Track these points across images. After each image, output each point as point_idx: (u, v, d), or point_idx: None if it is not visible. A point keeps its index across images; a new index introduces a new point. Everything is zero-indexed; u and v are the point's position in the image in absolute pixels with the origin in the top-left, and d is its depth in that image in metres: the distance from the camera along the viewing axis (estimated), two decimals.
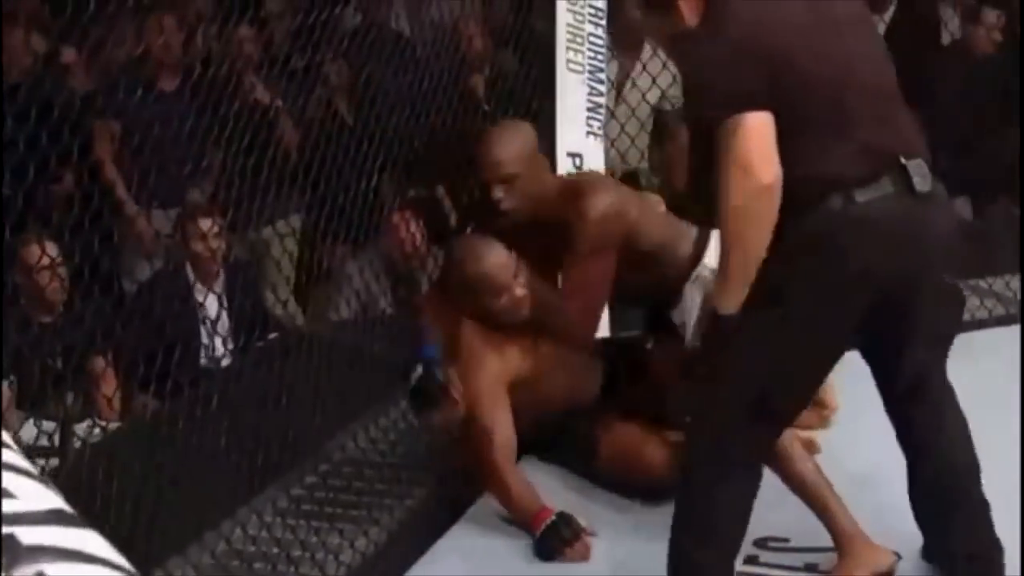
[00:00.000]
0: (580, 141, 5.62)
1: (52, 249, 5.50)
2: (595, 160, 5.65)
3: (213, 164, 6.00)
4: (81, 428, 4.89)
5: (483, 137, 4.73)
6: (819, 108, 3.45)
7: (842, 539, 4.06)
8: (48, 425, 4.86)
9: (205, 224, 5.99)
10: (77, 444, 4.72)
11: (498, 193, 4.54)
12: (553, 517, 4.30)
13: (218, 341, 5.77)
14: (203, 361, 5.76)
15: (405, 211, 6.50)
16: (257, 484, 4.63)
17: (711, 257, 4.53)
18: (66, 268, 5.42)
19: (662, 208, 4.95)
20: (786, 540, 4.31)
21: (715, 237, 4.65)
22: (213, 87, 4.72)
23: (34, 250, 5.53)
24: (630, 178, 6.25)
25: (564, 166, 5.58)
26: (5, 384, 5.20)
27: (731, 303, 3.43)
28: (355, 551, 4.41)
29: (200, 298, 5.98)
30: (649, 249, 4.63)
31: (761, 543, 4.24)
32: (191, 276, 6.14)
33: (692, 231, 4.67)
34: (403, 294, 6.44)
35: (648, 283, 4.64)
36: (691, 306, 4.49)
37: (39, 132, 4.07)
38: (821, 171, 3.42)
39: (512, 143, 4.61)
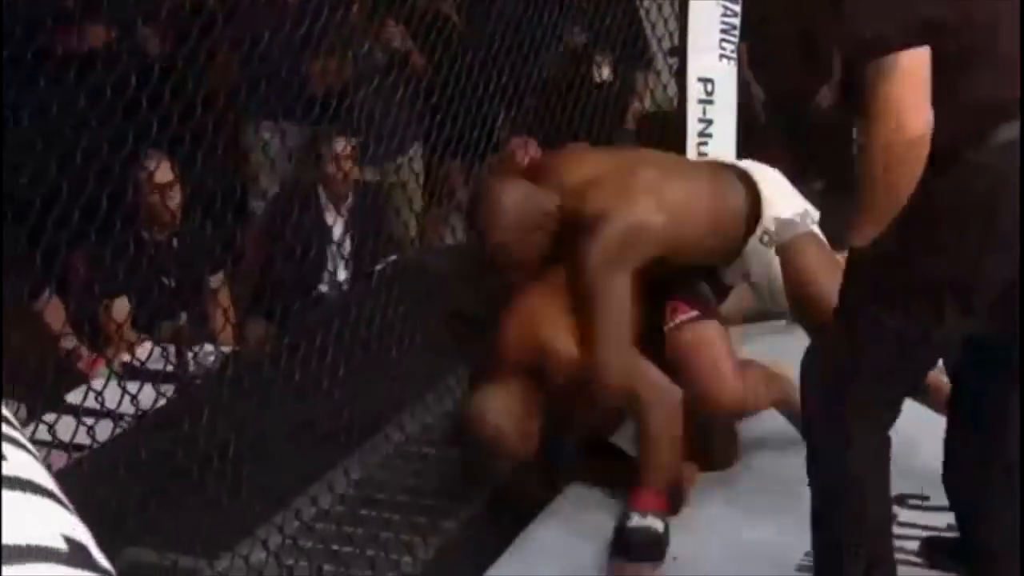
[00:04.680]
0: (712, 65, 5.19)
1: (167, 167, 5.23)
2: (726, 86, 5.21)
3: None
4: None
5: (472, 201, 4.09)
6: (991, 28, 2.98)
7: None
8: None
9: (340, 145, 5.62)
10: (192, 368, 4.40)
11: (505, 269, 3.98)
12: (660, 522, 3.78)
13: (340, 264, 5.44)
14: (323, 287, 5.43)
15: (523, 136, 6.09)
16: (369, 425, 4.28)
17: (771, 206, 4.10)
18: (189, 185, 5.11)
19: (705, 174, 4.19)
20: (926, 497, 3.86)
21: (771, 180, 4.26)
22: None
23: (151, 166, 5.19)
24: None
25: (695, 92, 5.18)
26: (121, 301, 4.92)
27: (865, 236, 3.00)
28: None
29: (328, 220, 5.64)
30: (689, 251, 4.00)
31: (899, 500, 3.72)
32: (322, 196, 5.82)
33: (740, 188, 4.09)
34: None
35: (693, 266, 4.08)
36: (763, 265, 4.08)
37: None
38: (993, 95, 2.97)
39: (497, 207, 3.91)
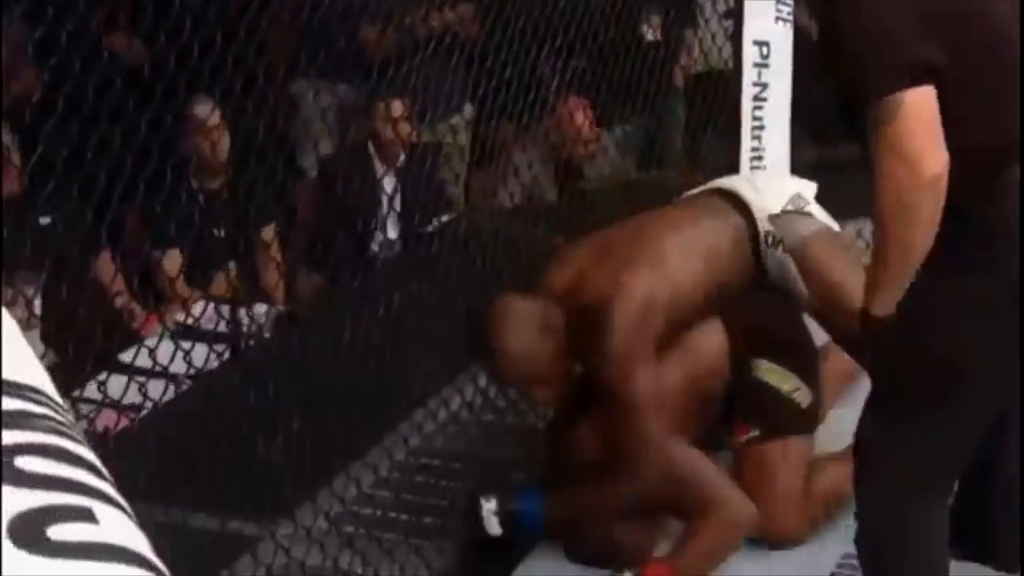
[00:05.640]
0: (768, 28, 5.03)
1: (215, 113, 5.08)
2: (782, 49, 5.06)
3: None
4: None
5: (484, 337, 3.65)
6: (992, 70, 2.73)
7: None
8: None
9: (396, 107, 5.48)
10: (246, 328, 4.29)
11: (533, 395, 3.75)
12: None
13: (391, 224, 5.32)
14: (375, 247, 5.32)
15: (573, 97, 5.95)
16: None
17: (760, 208, 3.82)
18: (239, 137, 4.98)
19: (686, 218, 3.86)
20: None
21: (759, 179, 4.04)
22: None
23: (199, 111, 5.06)
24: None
25: (750, 55, 5.04)
26: (173, 254, 4.80)
27: (886, 304, 2.73)
28: None
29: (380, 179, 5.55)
30: (700, 303, 3.70)
31: None
32: (374, 156, 5.69)
33: (726, 206, 3.82)
34: (567, 182, 5.92)
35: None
36: (775, 266, 3.80)
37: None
38: (996, 139, 2.72)
39: (511, 340, 3.56)
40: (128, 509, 0.92)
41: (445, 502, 3.83)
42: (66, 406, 0.99)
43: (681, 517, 3.63)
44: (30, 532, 0.85)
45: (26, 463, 0.89)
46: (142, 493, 3.01)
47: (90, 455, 0.95)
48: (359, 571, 3.52)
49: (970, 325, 2.74)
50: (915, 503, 2.91)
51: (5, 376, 0.94)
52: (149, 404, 3.50)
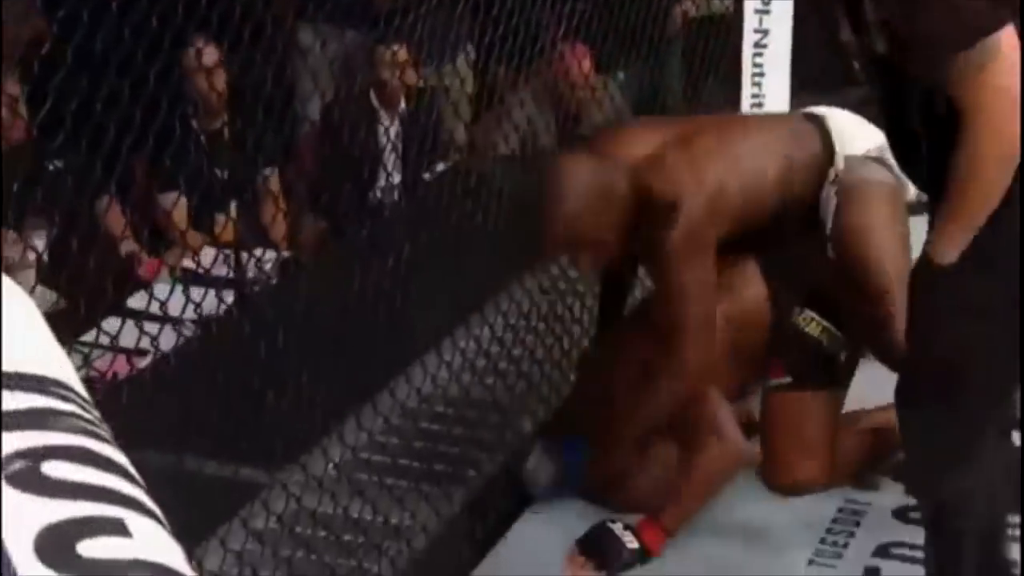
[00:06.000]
0: None
1: (213, 51, 5.00)
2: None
3: None
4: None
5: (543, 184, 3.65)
6: None
7: None
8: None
9: (397, 52, 5.45)
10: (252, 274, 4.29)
11: (581, 262, 3.75)
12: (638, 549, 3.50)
13: (392, 169, 5.31)
14: (378, 192, 5.31)
15: (573, 41, 5.91)
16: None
17: (841, 145, 3.72)
18: (239, 76, 4.94)
19: (770, 128, 3.83)
20: None
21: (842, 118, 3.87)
22: None
23: (196, 51, 5.00)
24: None
25: (751, 1, 5.01)
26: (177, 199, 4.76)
27: (951, 251, 2.65)
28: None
29: (381, 124, 5.51)
30: (765, 212, 3.63)
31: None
32: (375, 101, 5.66)
33: (811, 129, 3.73)
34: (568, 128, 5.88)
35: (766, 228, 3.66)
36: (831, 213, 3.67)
37: None
38: None
39: (568, 190, 3.51)
40: (161, 517, 0.84)
41: (456, 449, 3.80)
42: (91, 400, 0.90)
43: (680, 442, 3.60)
44: (59, 548, 0.79)
45: (53, 469, 0.83)
46: (152, 441, 3.06)
47: (121, 457, 0.88)
48: (368, 518, 3.51)
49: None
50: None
51: (30, 370, 0.86)
52: (156, 350, 3.52)
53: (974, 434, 2.81)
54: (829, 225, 3.68)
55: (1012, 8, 2.54)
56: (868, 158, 3.72)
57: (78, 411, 0.87)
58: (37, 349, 0.89)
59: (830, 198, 3.70)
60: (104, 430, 0.89)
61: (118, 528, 0.82)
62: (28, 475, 0.82)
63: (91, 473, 0.85)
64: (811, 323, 3.69)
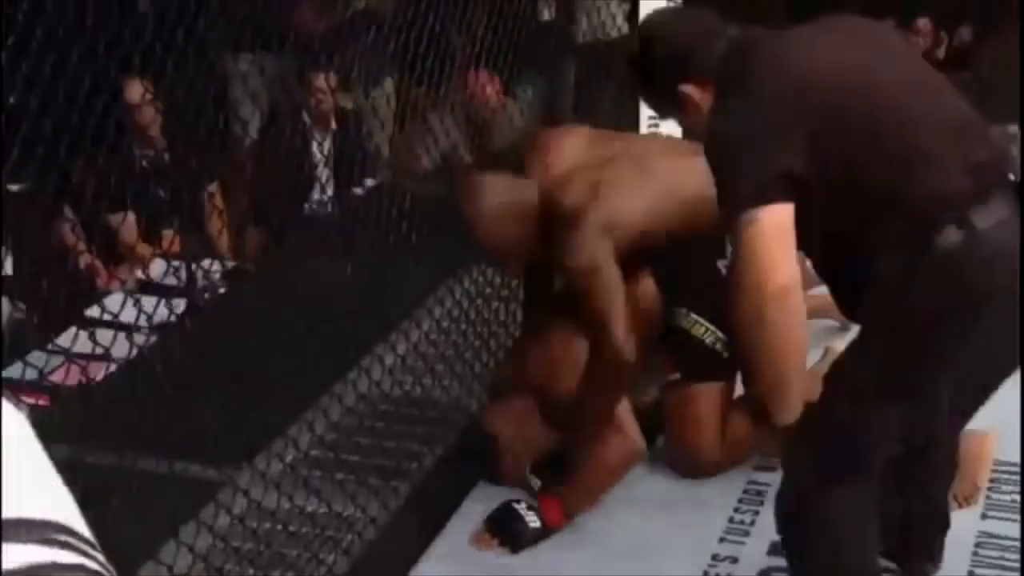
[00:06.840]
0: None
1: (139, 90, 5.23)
2: None
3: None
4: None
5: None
6: (900, 135, 2.73)
7: None
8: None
9: (326, 77, 5.70)
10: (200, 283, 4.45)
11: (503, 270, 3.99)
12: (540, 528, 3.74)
13: (325, 182, 5.53)
14: (313, 205, 5.52)
15: (478, 69, 6.16)
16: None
17: None
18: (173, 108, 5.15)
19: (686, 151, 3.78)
20: None
21: None
22: None
23: (134, 87, 5.23)
24: None
25: None
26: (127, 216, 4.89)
27: (788, 415, 2.76)
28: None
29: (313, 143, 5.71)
30: (683, 227, 3.77)
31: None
32: (308, 121, 5.87)
33: None
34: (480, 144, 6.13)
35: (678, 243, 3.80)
36: None
37: None
38: (931, 189, 2.68)
39: (480, 203, 3.76)
40: None
41: (398, 444, 3.97)
42: (94, 541, 0.78)
43: (582, 430, 3.78)
44: None
45: None
46: (112, 444, 3.13)
47: None
48: (319, 510, 3.63)
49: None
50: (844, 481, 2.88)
51: (31, 514, 0.75)
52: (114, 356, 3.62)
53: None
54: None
55: (782, 190, 2.66)
56: None
57: (83, 561, 0.76)
58: (39, 486, 0.78)
59: None
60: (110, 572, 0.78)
61: None
62: None
63: None
64: (695, 325, 3.94)
